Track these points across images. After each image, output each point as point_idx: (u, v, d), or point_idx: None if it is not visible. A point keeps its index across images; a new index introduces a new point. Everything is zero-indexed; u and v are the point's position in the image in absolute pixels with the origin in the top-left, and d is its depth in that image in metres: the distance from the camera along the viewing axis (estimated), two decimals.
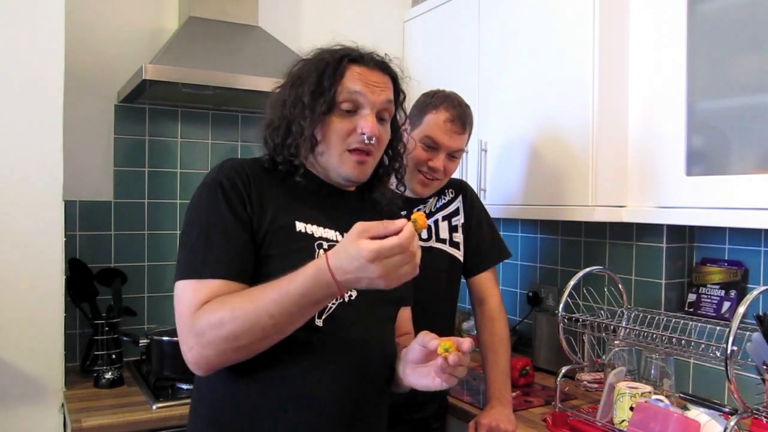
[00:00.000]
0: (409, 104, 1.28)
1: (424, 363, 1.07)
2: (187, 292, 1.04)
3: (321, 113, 1.10)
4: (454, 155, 1.67)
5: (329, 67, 1.12)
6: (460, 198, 1.79)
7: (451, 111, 1.65)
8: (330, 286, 0.92)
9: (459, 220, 1.76)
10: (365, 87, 1.11)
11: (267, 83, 1.96)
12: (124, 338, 2.06)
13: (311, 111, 1.10)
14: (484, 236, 1.79)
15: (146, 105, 2.28)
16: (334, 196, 1.19)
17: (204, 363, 1.01)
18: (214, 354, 1.00)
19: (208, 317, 0.99)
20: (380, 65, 1.15)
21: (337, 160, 1.13)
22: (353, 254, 0.89)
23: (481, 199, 1.91)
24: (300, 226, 1.11)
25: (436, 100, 1.68)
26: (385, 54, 1.18)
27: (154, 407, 1.73)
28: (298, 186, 1.14)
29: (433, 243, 1.72)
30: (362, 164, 1.13)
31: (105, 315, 2.07)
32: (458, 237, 1.75)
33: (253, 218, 1.08)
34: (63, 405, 1.79)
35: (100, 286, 2.13)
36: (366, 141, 1.10)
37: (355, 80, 1.11)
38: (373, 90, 1.12)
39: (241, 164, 1.14)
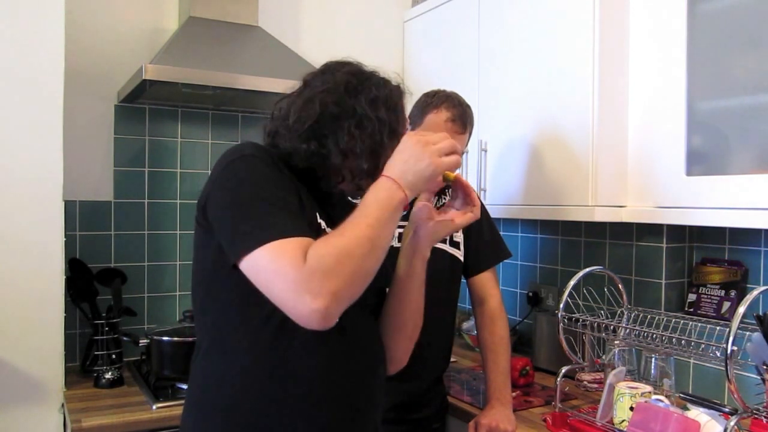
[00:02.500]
0: (408, 105, 1.28)
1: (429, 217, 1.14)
2: (280, 251, 0.95)
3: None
4: None
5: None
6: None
7: (452, 110, 1.65)
8: (389, 187, 1.00)
9: None
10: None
11: (267, 83, 1.98)
12: (124, 338, 2.06)
13: (381, 148, 1.12)
14: (485, 236, 1.79)
15: (146, 105, 2.28)
16: (337, 198, 1.22)
17: (336, 303, 0.93)
18: (346, 288, 0.94)
19: (325, 251, 0.94)
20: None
21: None
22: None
23: (482, 199, 1.91)
24: (320, 219, 1.12)
25: (436, 99, 1.68)
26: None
27: (154, 407, 1.73)
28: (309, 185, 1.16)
29: None
30: None
31: (105, 315, 2.07)
32: (458, 237, 1.76)
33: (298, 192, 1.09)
34: (63, 405, 1.79)
35: (100, 286, 2.12)
36: None
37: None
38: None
39: (264, 148, 1.12)
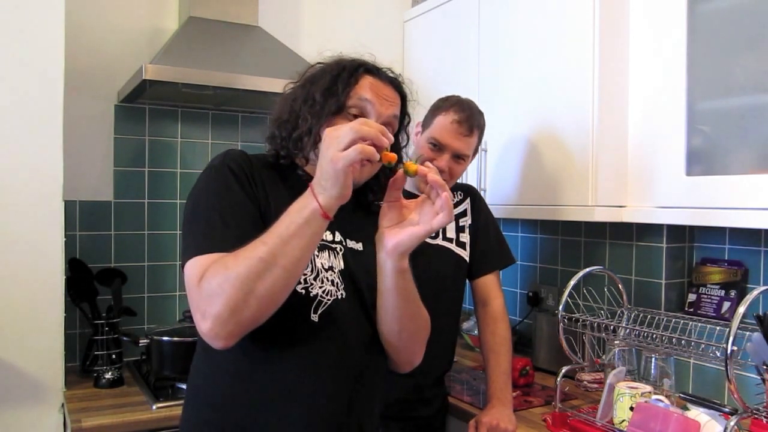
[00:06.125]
0: (413, 112, 1.29)
1: (400, 222, 1.05)
2: (191, 268, 1.00)
3: (329, 113, 1.12)
4: (460, 158, 1.68)
5: (345, 71, 1.15)
6: (468, 200, 1.80)
7: (460, 114, 1.67)
8: (308, 195, 0.96)
9: (466, 221, 1.78)
10: (375, 97, 1.14)
11: (267, 83, 1.98)
12: (124, 338, 2.05)
13: (321, 108, 1.12)
14: (491, 239, 1.80)
15: (146, 105, 2.28)
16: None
17: (219, 326, 0.95)
18: (228, 311, 0.94)
19: (214, 272, 0.96)
20: (393, 81, 1.19)
21: None
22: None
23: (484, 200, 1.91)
24: None
25: (447, 103, 1.71)
26: (399, 74, 1.21)
27: (154, 407, 1.73)
28: (296, 185, 1.15)
29: (440, 241, 1.72)
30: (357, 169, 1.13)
31: (105, 315, 2.07)
32: (465, 237, 1.76)
33: (261, 203, 1.10)
34: (63, 405, 1.79)
35: (100, 286, 2.12)
36: None
37: (366, 89, 1.14)
38: (382, 102, 1.14)
39: (246, 154, 1.16)
